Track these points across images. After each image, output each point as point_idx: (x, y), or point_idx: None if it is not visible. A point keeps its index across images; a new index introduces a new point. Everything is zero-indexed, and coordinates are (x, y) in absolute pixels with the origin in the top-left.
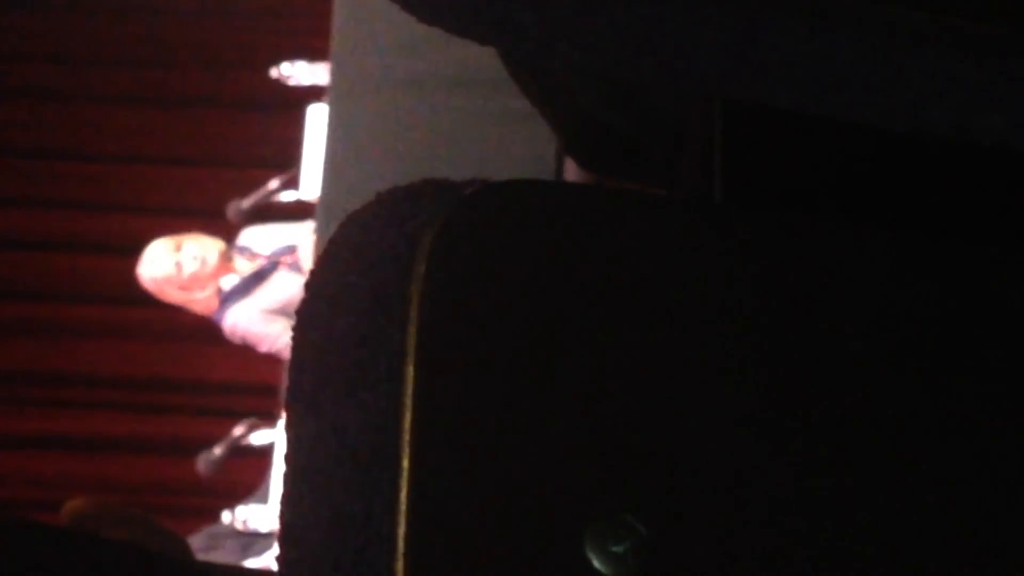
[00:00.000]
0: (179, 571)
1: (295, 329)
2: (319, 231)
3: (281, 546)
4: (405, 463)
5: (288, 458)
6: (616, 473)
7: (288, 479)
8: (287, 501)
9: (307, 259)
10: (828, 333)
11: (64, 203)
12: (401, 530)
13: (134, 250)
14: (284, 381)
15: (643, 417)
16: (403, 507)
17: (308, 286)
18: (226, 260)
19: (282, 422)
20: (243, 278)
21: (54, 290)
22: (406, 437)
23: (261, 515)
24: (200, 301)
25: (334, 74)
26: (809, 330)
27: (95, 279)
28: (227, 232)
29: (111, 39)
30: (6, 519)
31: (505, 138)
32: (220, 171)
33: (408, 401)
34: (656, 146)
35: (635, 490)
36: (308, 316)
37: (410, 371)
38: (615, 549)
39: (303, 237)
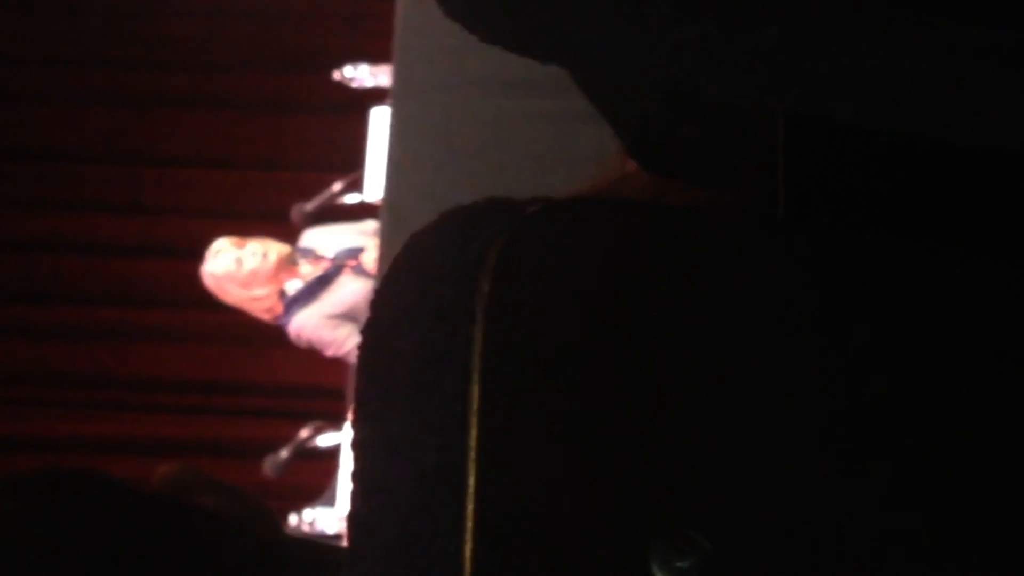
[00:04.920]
0: (267, 541)
1: (361, 348)
2: (383, 234)
3: (348, 565)
4: (471, 481)
5: (355, 476)
6: (681, 488)
7: (355, 498)
8: (354, 519)
9: (371, 262)
10: (894, 350)
11: (128, 207)
12: (468, 548)
13: (198, 253)
14: (350, 384)
15: (708, 433)
16: (469, 525)
17: (373, 305)
18: (290, 264)
19: (347, 424)
20: (307, 283)
21: (119, 294)
22: (472, 455)
23: (328, 517)
24: (260, 301)
25: (396, 76)
26: (875, 347)
27: (159, 283)
28: (291, 234)
29: (175, 42)
30: (98, 478)
31: (568, 138)
32: (283, 174)
33: (474, 419)
34: (719, 149)
35: (701, 505)
36: (374, 334)
37: (475, 389)
38: (680, 565)
39: (367, 239)
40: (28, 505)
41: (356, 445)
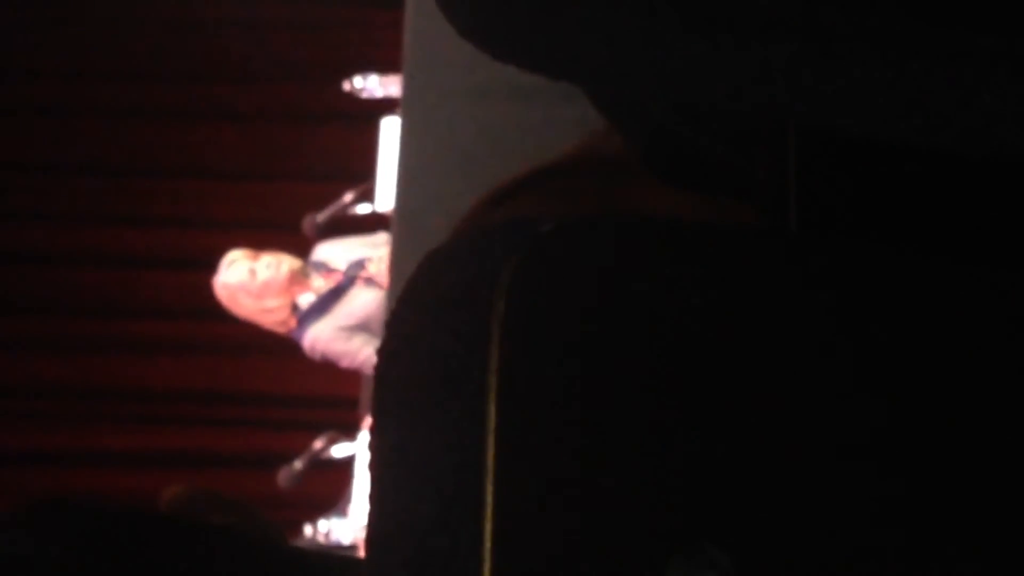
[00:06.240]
0: (276, 556)
1: (377, 368)
2: (394, 244)
3: None
4: (488, 499)
5: (372, 496)
6: (701, 505)
7: (373, 517)
8: (372, 538)
9: (383, 272)
10: (909, 363)
11: (139, 220)
12: (486, 567)
13: (210, 265)
14: (364, 393)
15: (726, 449)
16: (487, 544)
17: (388, 324)
18: (303, 277)
19: (362, 434)
20: (320, 296)
21: (133, 306)
22: (489, 474)
23: (342, 528)
24: (272, 313)
25: (407, 86)
26: (890, 360)
27: (172, 294)
28: (302, 245)
29: (184, 55)
30: (109, 507)
31: None
32: (294, 185)
33: (491, 438)
34: (732, 158)
35: (720, 522)
36: (389, 355)
37: (492, 408)
38: None
39: (378, 251)
40: (39, 538)
41: (373, 464)
